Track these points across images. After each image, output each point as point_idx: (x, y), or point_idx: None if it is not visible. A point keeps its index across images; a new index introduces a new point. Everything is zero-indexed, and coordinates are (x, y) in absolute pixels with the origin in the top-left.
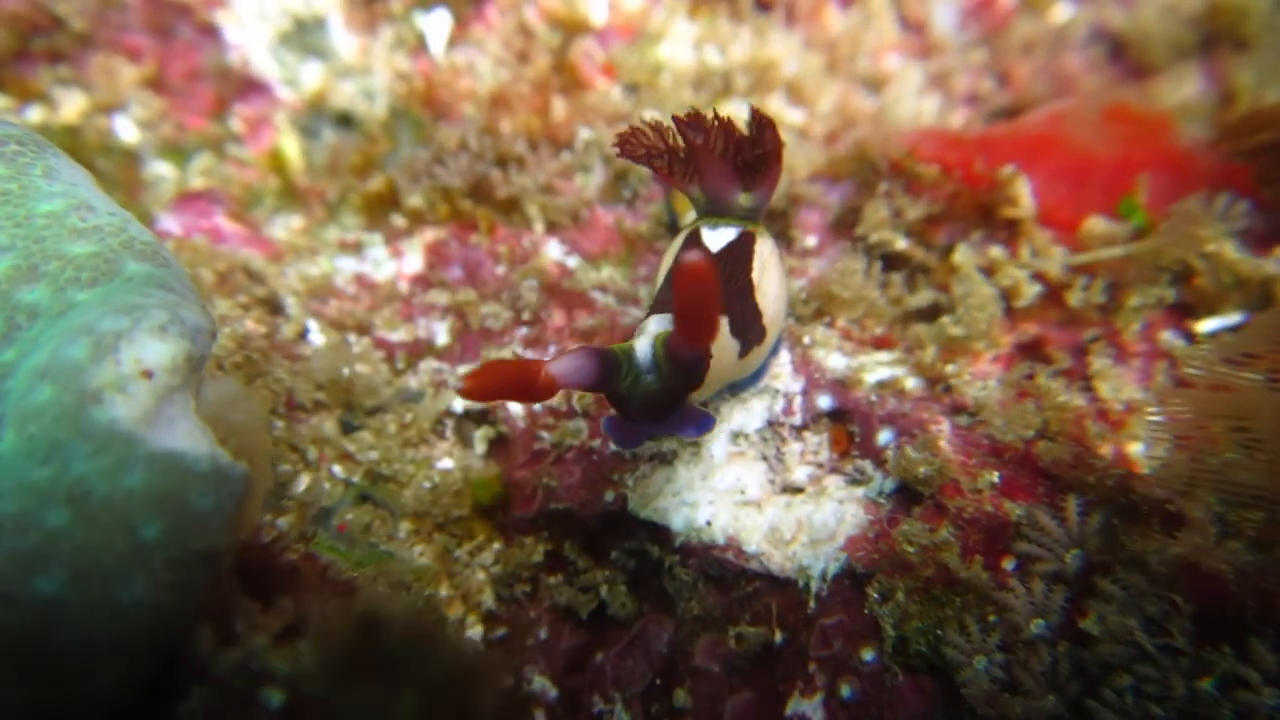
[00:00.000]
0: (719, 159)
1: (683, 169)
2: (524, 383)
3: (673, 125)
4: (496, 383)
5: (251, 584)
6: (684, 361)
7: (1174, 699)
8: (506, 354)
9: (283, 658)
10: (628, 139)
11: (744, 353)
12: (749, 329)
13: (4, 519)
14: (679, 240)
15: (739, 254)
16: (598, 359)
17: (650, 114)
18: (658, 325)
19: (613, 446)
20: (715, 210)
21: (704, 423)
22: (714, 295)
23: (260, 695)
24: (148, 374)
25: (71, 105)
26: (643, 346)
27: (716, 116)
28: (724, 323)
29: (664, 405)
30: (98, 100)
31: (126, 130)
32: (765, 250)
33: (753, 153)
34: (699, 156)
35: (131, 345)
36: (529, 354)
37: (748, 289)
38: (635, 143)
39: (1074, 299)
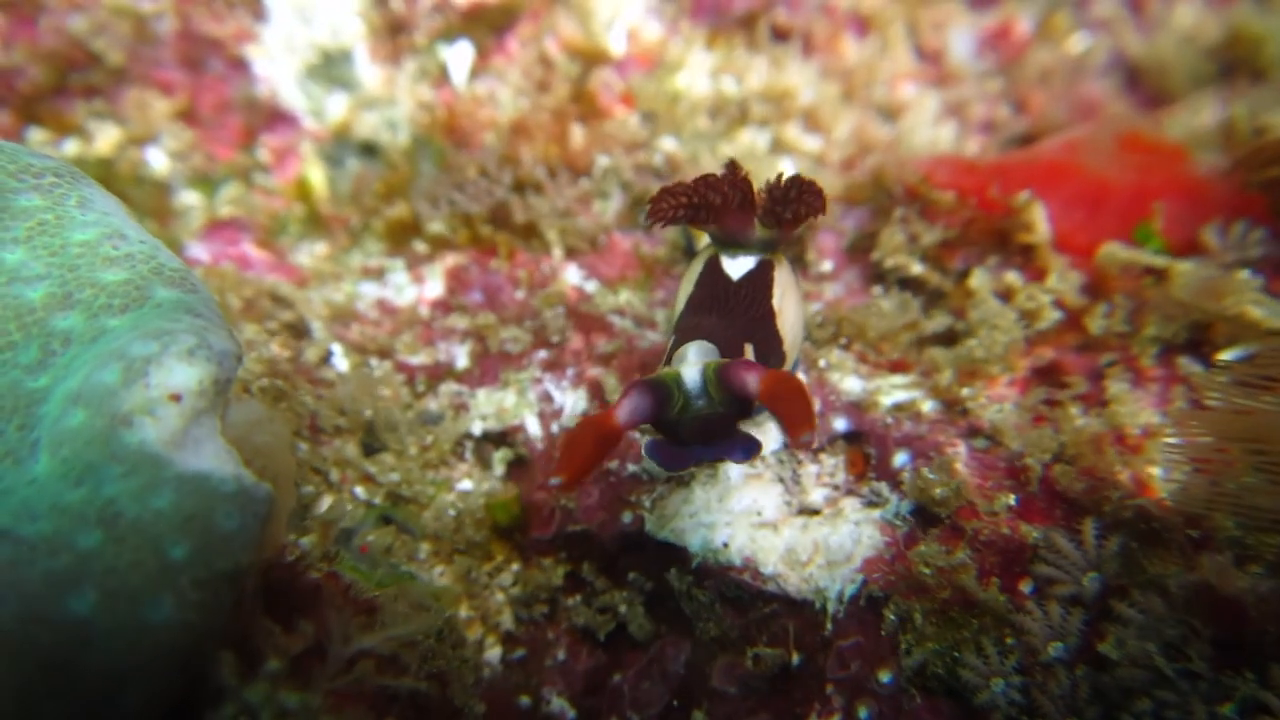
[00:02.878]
0: (735, 210)
1: (705, 216)
2: (604, 439)
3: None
4: (584, 457)
5: (276, 602)
6: (739, 392)
7: None
8: (525, 376)
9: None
10: (658, 206)
11: None
12: (770, 354)
13: (38, 540)
14: (698, 264)
15: (759, 282)
16: (650, 392)
17: (669, 142)
18: (699, 353)
19: (647, 468)
20: (732, 243)
21: (751, 446)
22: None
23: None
24: (176, 397)
25: (106, 138)
26: (691, 374)
27: (733, 176)
28: (749, 349)
29: (716, 430)
30: (131, 133)
31: (158, 161)
32: (784, 277)
33: (780, 213)
34: (717, 210)
35: (160, 369)
36: (548, 377)
37: (769, 315)
38: (664, 207)
39: (1095, 326)
